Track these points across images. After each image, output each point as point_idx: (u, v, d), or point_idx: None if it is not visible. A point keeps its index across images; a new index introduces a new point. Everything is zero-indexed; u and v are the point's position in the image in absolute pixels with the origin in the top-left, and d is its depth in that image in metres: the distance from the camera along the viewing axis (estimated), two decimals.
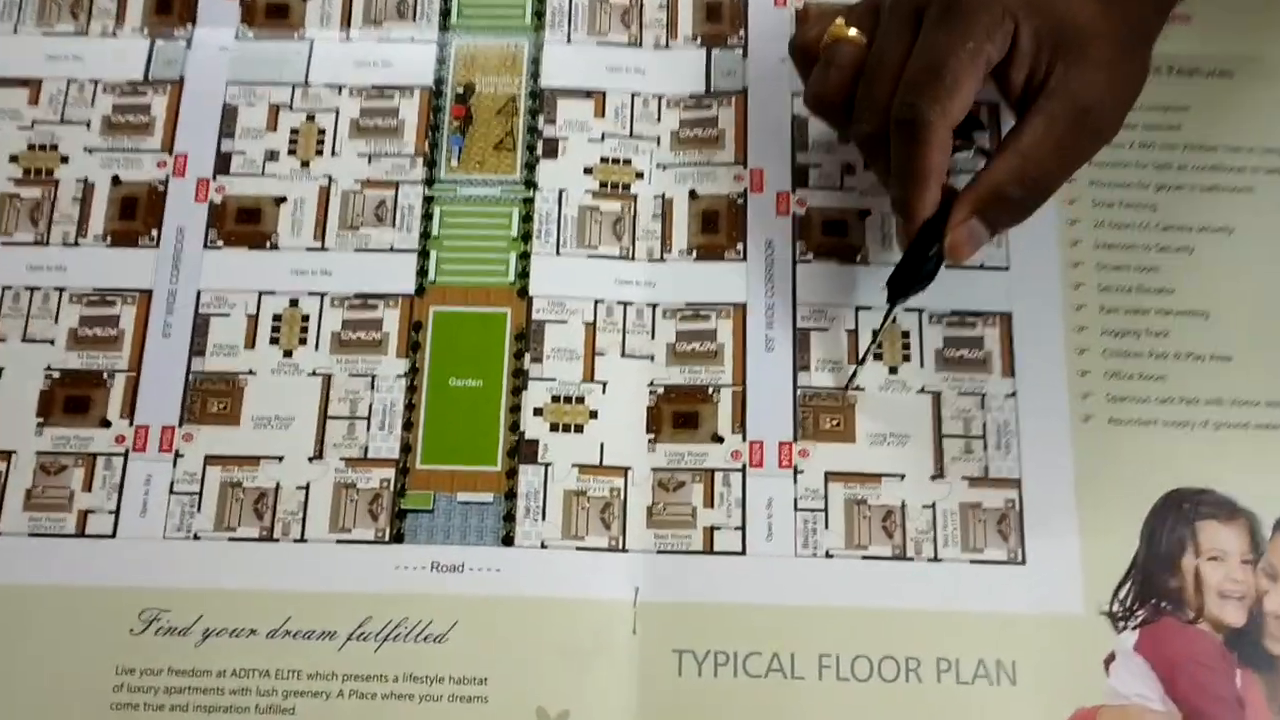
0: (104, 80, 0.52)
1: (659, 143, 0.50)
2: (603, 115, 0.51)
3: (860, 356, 0.47)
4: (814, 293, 0.48)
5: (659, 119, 0.51)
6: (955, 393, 0.47)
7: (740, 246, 0.49)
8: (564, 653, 0.44)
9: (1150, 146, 0.50)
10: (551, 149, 0.50)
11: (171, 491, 0.46)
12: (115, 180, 0.50)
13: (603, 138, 0.51)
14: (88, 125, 0.51)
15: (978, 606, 0.44)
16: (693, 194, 0.50)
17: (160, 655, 0.44)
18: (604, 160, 0.50)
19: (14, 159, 0.51)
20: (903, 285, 0.45)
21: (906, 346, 0.48)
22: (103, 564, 0.45)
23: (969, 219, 0.42)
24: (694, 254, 0.49)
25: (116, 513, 0.46)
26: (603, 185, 0.50)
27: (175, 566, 0.45)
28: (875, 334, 0.47)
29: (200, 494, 0.46)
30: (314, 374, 0.48)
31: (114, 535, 0.46)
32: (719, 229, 0.49)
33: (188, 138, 0.51)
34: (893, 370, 0.47)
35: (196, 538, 0.45)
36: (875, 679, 0.43)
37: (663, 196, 0.50)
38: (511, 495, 0.46)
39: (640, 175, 0.50)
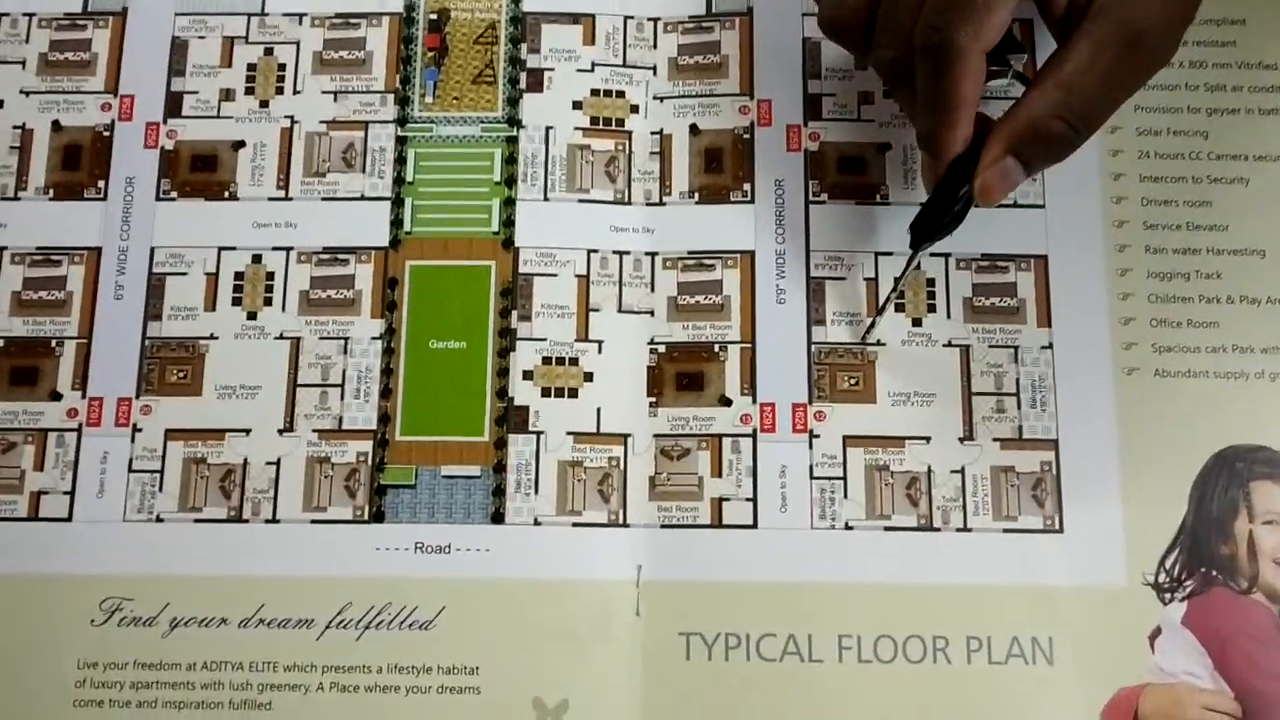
0: (39, 14, 0.48)
1: (655, 72, 0.47)
2: (592, 42, 0.47)
3: (880, 307, 0.44)
4: (829, 238, 0.45)
5: (655, 45, 0.47)
6: (986, 345, 0.44)
7: (747, 187, 0.46)
8: (561, 638, 0.42)
9: (1202, 66, 0.47)
10: (536, 81, 0.47)
11: (130, 470, 0.44)
12: (56, 126, 0.47)
13: (593, 67, 0.47)
14: (23, 65, 0.48)
15: (1011, 579, 0.42)
16: (694, 129, 0.47)
17: (125, 647, 0.42)
18: (595, 93, 0.47)
19: None
20: (928, 229, 0.41)
21: (932, 295, 0.45)
22: (59, 550, 0.43)
23: (1003, 158, 0.39)
24: (696, 196, 0.46)
25: (72, 494, 0.44)
26: (594, 121, 0.47)
27: (138, 551, 0.43)
28: (897, 282, 0.44)
29: (162, 472, 0.44)
30: (281, 337, 0.45)
31: (70, 518, 0.43)
32: (723, 168, 0.46)
33: (134, 77, 0.47)
34: (916, 322, 0.45)
35: (159, 520, 0.43)
36: (900, 660, 0.42)
37: (660, 132, 0.47)
38: (500, 468, 0.44)
39: (635, 109, 0.47)
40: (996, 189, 0.39)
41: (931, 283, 0.45)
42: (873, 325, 0.44)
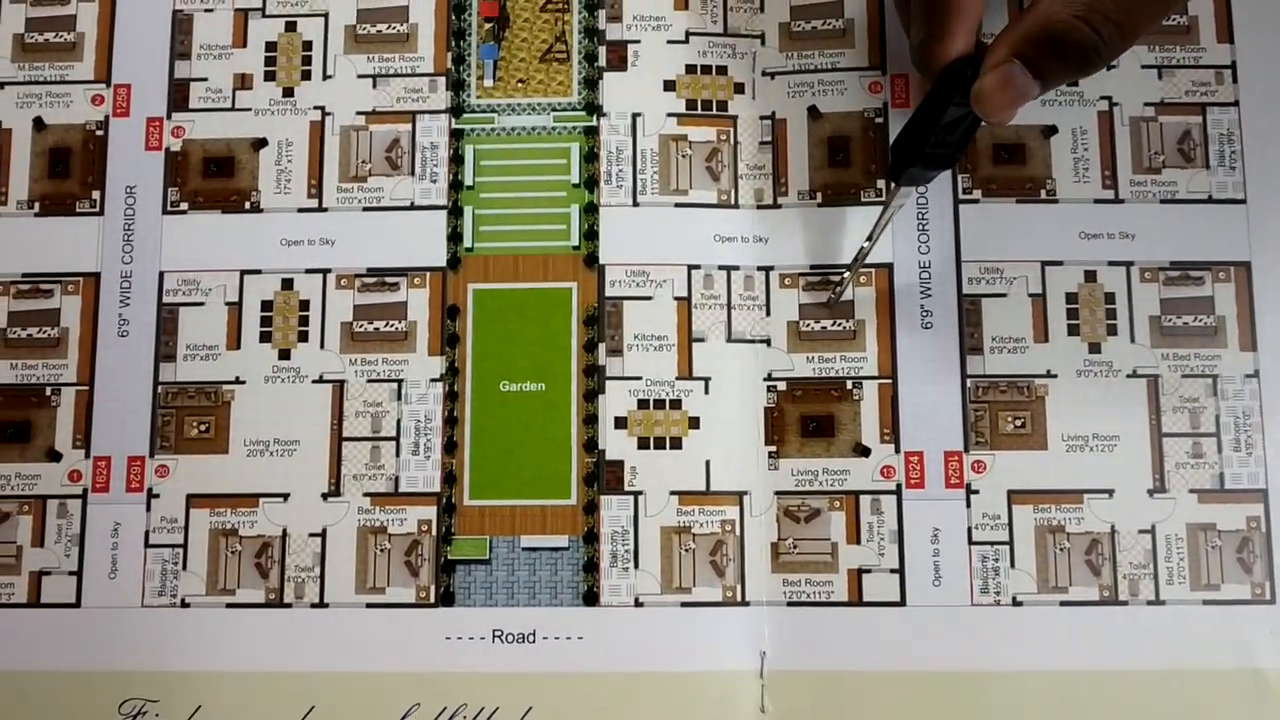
0: None
1: (764, 41, 0.42)
2: (685, 6, 0.42)
3: (853, 261, 0.39)
4: (984, 244, 0.40)
5: (762, 7, 0.42)
6: (1178, 375, 0.40)
7: (881, 184, 0.41)
8: None
9: None
10: (619, 57, 0.42)
11: (147, 544, 0.40)
12: (38, 124, 0.42)
13: (687, 38, 0.42)
14: None
15: (1214, 661, 0.38)
16: (813, 112, 0.41)
17: None
18: (690, 69, 0.41)
19: None
20: (909, 152, 0.36)
21: (1112, 314, 0.40)
22: (67, 642, 0.39)
23: (1008, 60, 0.35)
24: (818, 197, 0.41)
25: (79, 574, 0.39)
26: (690, 105, 0.41)
27: (161, 643, 0.39)
28: (876, 227, 0.38)
29: (185, 546, 0.40)
30: (321, 380, 0.41)
31: (78, 604, 0.39)
32: (851, 160, 0.41)
33: (129, 61, 0.42)
34: (1094, 348, 0.40)
35: (185, 604, 0.39)
36: None
37: (772, 117, 0.41)
38: (592, 537, 0.39)
39: (740, 89, 0.41)
40: (997, 97, 0.35)
41: (1110, 298, 0.40)
42: (842, 284, 0.39)
